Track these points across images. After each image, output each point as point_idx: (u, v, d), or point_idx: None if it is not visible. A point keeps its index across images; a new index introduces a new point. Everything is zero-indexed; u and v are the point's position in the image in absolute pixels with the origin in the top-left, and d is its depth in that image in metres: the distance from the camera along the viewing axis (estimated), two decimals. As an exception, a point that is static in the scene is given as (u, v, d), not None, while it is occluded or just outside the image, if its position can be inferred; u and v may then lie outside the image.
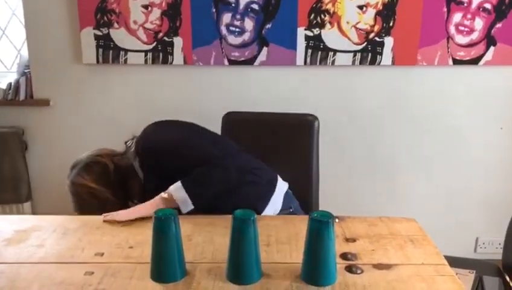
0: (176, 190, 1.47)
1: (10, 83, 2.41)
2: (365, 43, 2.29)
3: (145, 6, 2.27)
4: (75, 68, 2.40)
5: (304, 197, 1.85)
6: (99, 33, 2.31)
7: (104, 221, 1.47)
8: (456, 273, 1.22)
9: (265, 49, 2.30)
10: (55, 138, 2.50)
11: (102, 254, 1.30)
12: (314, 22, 2.27)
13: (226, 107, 2.07)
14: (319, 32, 2.28)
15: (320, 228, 1.12)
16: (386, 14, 2.25)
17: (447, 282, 1.16)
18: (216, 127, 2.03)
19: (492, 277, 1.66)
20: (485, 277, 1.66)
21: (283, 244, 1.34)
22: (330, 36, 2.29)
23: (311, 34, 2.28)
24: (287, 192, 1.72)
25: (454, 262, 1.53)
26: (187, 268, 1.20)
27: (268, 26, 2.28)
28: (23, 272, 1.21)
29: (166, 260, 1.16)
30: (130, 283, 1.16)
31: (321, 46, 2.30)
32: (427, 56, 2.30)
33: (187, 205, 1.47)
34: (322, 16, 2.26)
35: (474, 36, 2.28)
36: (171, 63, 2.34)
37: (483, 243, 2.60)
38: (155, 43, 2.32)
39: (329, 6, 2.24)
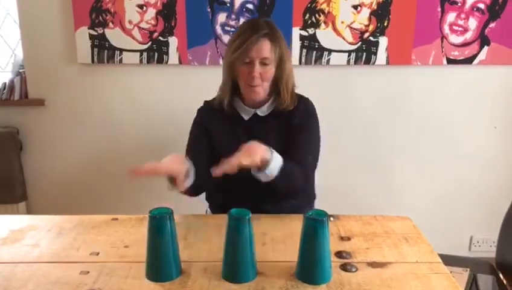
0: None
1: (5, 83, 2.41)
2: (360, 42, 2.30)
3: (140, 6, 2.26)
4: (70, 68, 2.39)
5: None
6: (94, 33, 2.31)
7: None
8: (451, 271, 1.23)
9: (260, 48, 2.30)
10: (50, 138, 2.49)
11: (97, 253, 1.30)
12: (309, 21, 2.28)
13: (221, 106, 2.07)
14: (313, 32, 2.29)
15: (316, 226, 1.13)
16: (381, 13, 2.26)
17: (441, 280, 1.17)
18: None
19: (486, 275, 1.67)
20: (479, 275, 1.66)
21: (278, 243, 1.35)
22: (325, 36, 2.29)
23: (306, 33, 2.29)
24: None
25: (449, 260, 1.54)
26: (182, 267, 1.20)
27: (263, 25, 2.28)
28: (18, 272, 1.21)
29: (161, 259, 1.16)
30: (125, 282, 1.16)
31: (316, 46, 2.30)
32: (421, 56, 2.31)
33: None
34: (317, 15, 2.27)
35: (468, 36, 2.29)
36: (166, 62, 2.34)
37: (478, 242, 2.61)
38: (150, 42, 2.31)
39: (324, 6, 2.25)
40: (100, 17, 2.28)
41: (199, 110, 1.74)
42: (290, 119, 1.63)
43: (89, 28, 2.30)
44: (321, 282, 1.15)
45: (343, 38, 2.30)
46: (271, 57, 1.55)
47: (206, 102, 1.75)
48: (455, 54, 2.32)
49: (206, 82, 2.37)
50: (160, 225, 1.15)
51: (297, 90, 1.70)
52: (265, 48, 1.54)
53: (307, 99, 1.73)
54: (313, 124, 1.68)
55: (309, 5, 2.25)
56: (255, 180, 1.45)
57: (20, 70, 2.43)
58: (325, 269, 1.16)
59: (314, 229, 1.13)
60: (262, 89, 1.60)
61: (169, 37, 2.30)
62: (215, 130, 1.67)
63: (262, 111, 1.65)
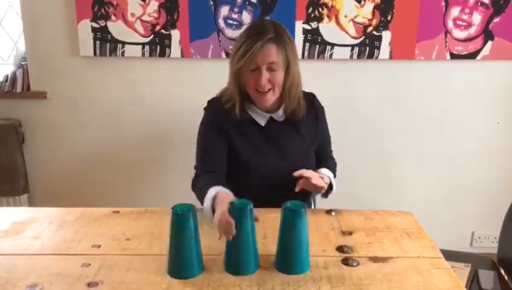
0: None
1: (7, 75, 2.41)
2: (363, 37, 2.29)
3: (143, -1, 2.26)
4: (72, 61, 2.39)
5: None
6: (97, 26, 2.30)
7: None
8: (452, 267, 1.23)
9: (263, 42, 2.29)
10: (52, 131, 2.49)
11: (99, 246, 1.30)
12: (312, 15, 2.26)
13: (223, 100, 2.06)
14: (316, 25, 2.28)
15: (293, 217, 1.17)
16: (384, 8, 2.25)
17: (442, 275, 1.17)
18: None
19: (487, 271, 1.67)
20: (480, 271, 1.66)
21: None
22: (328, 30, 2.28)
23: (309, 27, 2.28)
24: None
25: (450, 256, 1.54)
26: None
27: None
28: (20, 264, 1.21)
29: (182, 256, 1.17)
30: (126, 275, 1.17)
31: (319, 40, 2.29)
32: (424, 50, 2.30)
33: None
34: (320, 9, 2.25)
35: (472, 31, 2.28)
36: (169, 56, 2.33)
37: (479, 237, 2.61)
38: (152, 36, 2.31)
39: (327, -1, 2.24)
40: (102, 10, 2.27)
41: (209, 110, 1.66)
42: (310, 120, 1.67)
43: (91, 21, 2.29)
44: (298, 272, 1.17)
45: (347, 33, 2.29)
46: (278, 61, 1.49)
47: (214, 101, 1.67)
48: (459, 48, 2.31)
49: (208, 75, 2.37)
50: (183, 222, 1.15)
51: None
52: (271, 53, 1.48)
53: (311, 94, 1.76)
54: (325, 117, 1.77)
55: (312, -1, 2.24)
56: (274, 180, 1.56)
57: (22, 63, 2.43)
58: (303, 260, 1.19)
59: (292, 220, 1.16)
60: (273, 95, 1.54)
61: (171, 30, 2.30)
62: (232, 134, 1.59)
63: (278, 115, 1.61)
